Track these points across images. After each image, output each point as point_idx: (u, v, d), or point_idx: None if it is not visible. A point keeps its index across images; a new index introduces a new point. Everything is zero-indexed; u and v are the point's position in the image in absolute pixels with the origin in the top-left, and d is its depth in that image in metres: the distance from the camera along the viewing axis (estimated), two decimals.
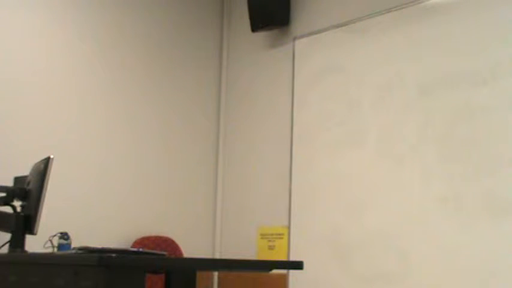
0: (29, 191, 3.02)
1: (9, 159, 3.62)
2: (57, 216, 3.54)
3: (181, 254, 4.27)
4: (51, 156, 2.94)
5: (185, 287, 2.49)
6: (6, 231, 3.04)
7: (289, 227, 4.11)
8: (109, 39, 4.24)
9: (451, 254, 3.25)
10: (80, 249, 2.18)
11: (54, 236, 3.21)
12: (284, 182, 4.19)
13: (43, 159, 2.97)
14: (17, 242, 2.95)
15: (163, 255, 2.25)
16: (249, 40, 4.65)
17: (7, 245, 3.01)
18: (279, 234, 4.20)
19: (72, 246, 3.14)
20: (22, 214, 3.00)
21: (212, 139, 4.73)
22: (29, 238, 2.98)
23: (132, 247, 4.05)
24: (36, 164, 3.08)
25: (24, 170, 3.20)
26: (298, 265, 2.48)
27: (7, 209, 3.04)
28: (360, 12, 3.90)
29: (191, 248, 4.35)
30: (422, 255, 3.36)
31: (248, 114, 4.60)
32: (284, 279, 4.02)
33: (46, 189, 2.90)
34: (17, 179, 3.22)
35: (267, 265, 2.63)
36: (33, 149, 3.60)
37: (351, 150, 3.81)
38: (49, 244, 3.18)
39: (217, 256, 4.56)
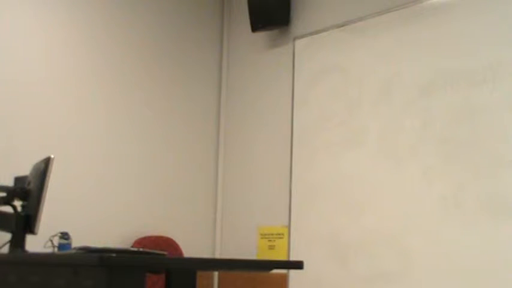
0: (29, 191, 3.02)
1: (9, 159, 3.63)
2: (57, 216, 3.54)
3: (181, 254, 4.27)
4: (52, 156, 2.94)
5: (185, 287, 2.49)
6: (7, 231, 3.04)
7: (289, 227, 4.11)
8: (109, 40, 4.24)
9: (451, 254, 3.25)
10: (80, 249, 2.18)
11: (55, 235, 3.21)
12: (284, 182, 4.19)
13: (43, 159, 2.97)
14: (17, 242, 2.95)
15: (164, 255, 2.25)
16: (249, 40, 4.65)
17: (7, 244, 3.02)
18: (279, 234, 4.20)
19: (73, 246, 3.14)
20: (22, 214, 3.00)
21: (212, 139, 4.73)
22: (29, 238, 2.98)
23: (132, 247, 4.05)
24: (36, 163, 3.08)
25: (25, 170, 3.20)
26: (298, 265, 2.48)
27: (7, 209, 3.04)
28: (360, 12, 3.90)
29: (191, 248, 4.36)
30: (422, 255, 3.36)
31: (248, 114, 4.61)
32: (284, 279, 4.02)
33: (46, 189, 2.90)
34: (18, 179, 3.22)
35: (267, 265, 2.63)
36: (33, 149, 3.60)
37: (351, 150, 3.81)
38: (49, 244, 3.18)
39: (217, 256, 4.56)
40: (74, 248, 2.32)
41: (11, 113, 3.74)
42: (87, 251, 2.12)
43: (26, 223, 2.95)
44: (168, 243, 4.25)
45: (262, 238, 4.32)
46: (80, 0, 4.12)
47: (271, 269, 2.53)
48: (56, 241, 3.19)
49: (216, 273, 4.51)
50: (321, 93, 4.05)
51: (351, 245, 3.71)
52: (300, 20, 4.33)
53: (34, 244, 3.04)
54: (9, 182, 3.22)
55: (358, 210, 3.71)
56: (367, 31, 3.83)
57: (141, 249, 2.25)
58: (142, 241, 4.14)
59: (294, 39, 4.28)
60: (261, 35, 4.57)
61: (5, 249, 3.04)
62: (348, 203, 3.77)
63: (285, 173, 4.19)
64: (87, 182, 4.01)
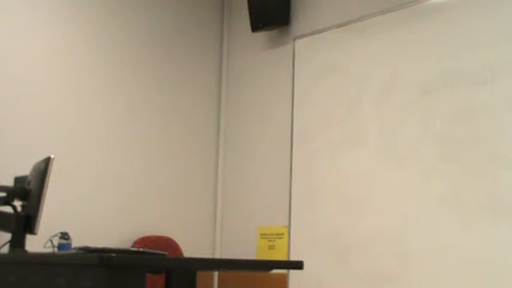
0: (29, 191, 3.02)
1: (9, 159, 3.63)
2: (57, 216, 3.54)
3: (181, 254, 4.27)
4: (52, 156, 2.94)
5: (185, 287, 2.49)
6: (7, 231, 3.04)
7: (289, 227, 4.11)
8: (109, 40, 4.24)
9: (451, 254, 3.25)
10: (80, 249, 2.18)
11: (55, 236, 3.21)
12: (284, 182, 4.19)
13: (43, 159, 2.98)
14: (17, 242, 2.95)
15: (164, 255, 2.25)
16: (249, 40, 4.65)
17: (7, 245, 3.02)
18: (279, 234, 4.20)
19: (73, 246, 3.14)
20: (22, 214, 3.00)
21: (212, 139, 4.73)
22: (29, 238, 2.98)
23: (132, 247, 4.05)
24: (36, 163, 3.08)
25: (24, 170, 3.20)
26: (298, 265, 2.48)
27: (7, 209, 3.04)
28: (360, 12, 3.90)
29: (191, 248, 4.35)
30: (422, 255, 3.36)
31: (248, 114, 4.61)
32: (284, 279, 4.02)
33: (46, 189, 2.90)
34: (17, 179, 3.22)
35: (267, 265, 2.63)
36: (33, 149, 3.60)
37: (351, 150, 3.81)
38: (49, 244, 3.18)
39: (217, 256, 4.56)
40: (74, 248, 2.32)
41: (11, 113, 3.74)
42: (87, 251, 2.13)
43: (26, 223, 2.95)
44: (168, 243, 4.26)
45: (262, 238, 4.32)
46: (80, 0, 4.12)
47: (271, 269, 2.53)
48: (56, 241, 3.19)
49: (216, 273, 4.51)
50: (321, 93, 4.05)
51: (351, 245, 3.71)
52: (300, 20, 4.33)
53: (34, 244, 3.04)
54: (9, 182, 3.22)
55: (358, 210, 3.71)
56: (367, 31, 3.83)
57: (141, 249, 2.26)
58: (142, 241, 4.14)
59: (294, 39, 4.28)
60: (261, 35, 4.56)
61: (5, 249, 3.04)
62: (348, 203, 3.77)
63: (285, 173, 4.19)
64: (87, 182, 4.01)
